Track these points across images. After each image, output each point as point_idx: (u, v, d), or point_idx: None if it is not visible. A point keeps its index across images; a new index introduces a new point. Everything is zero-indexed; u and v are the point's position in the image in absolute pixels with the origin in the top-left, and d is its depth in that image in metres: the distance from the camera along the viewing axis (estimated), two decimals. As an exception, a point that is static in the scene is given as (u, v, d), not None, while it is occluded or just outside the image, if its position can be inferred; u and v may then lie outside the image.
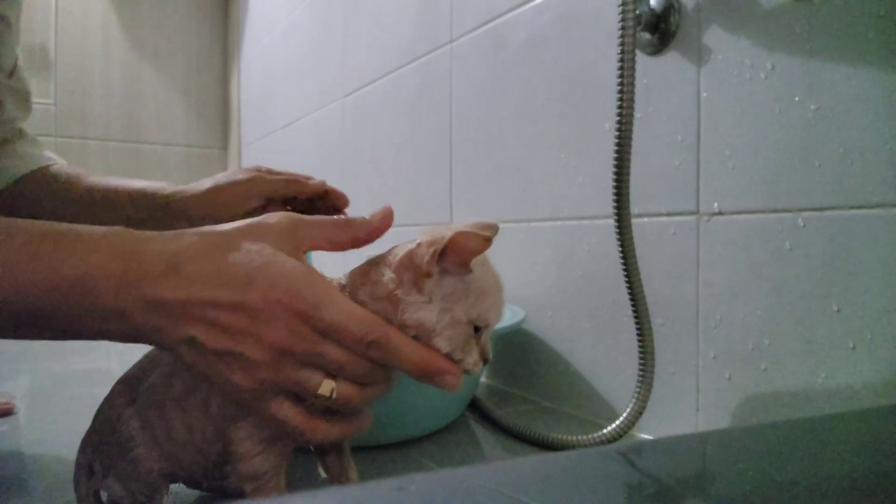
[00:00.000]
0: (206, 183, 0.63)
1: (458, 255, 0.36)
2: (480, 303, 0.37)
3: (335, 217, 0.40)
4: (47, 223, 0.36)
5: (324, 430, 0.38)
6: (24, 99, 0.69)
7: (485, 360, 0.39)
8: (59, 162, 0.70)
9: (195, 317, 0.35)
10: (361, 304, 0.37)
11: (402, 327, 0.37)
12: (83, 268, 0.34)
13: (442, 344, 0.37)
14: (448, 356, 0.37)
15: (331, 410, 0.39)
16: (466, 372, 0.39)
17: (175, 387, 0.42)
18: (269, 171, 0.63)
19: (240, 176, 0.62)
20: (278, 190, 0.62)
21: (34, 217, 0.39)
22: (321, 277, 0.37)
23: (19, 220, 0.36)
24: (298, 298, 0.35)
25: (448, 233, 0.36)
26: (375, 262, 0.39)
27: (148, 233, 0.37)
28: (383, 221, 0.41)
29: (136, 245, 0.36)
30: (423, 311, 0.36)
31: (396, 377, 0.40)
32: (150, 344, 0.38)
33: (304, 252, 0.39)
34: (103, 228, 0.37)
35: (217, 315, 0.35)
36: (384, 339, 0.36)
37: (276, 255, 0.36)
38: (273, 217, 0.38)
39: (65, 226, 0.36)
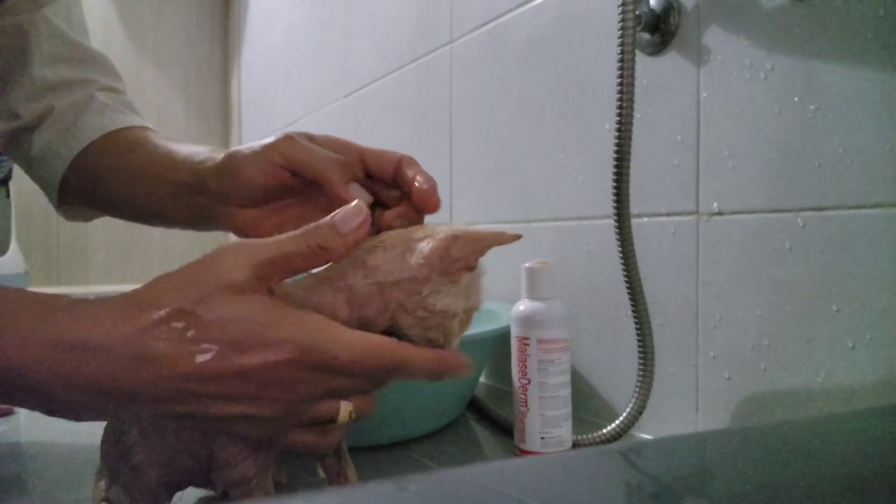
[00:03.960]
0: (223, 152, 0.51)
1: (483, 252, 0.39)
2: (481, 290, 0.41)
3: (302, 238, 0.35)
4: None
5: (340, 434, 0.39)
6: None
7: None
8: (128, 125, 0.62)
9: (185, 395, 0.32)
10: (349, 288, 0.37)
11: (414, 310, 0.37)
12: (24, 361, 0.30)
13: (458, 329, 0.39)
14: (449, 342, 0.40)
15: None
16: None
17: None
18: (309, 137, 0.47)
19: (264, 141, 0.47)
20: (312, 165, 0.45)
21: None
22: (315, 316, 0.35)
23: None
24: (306, 352, 0.33)
25: (487, 235, 0.38)
26: (366, 249, 0.39)
27: (88, 308, 0.32)
28: (359, 230, 0.37)
29: (81, 332, 0.31)
30: (450, 298, 0.38)
31: None
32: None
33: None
34: (29, 300, 0.31)
35: (214, 387, 0.32)
36: (400, 367, 0.35)
37: (254, 307, 0.33)
38: (222, 261, 0.34)
39: None
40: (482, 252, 0.38)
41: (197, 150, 0.55)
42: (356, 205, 0.37)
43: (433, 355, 0.37)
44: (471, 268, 0.39)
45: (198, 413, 0.33)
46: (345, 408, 0.36)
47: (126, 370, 0.31)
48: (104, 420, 0.35)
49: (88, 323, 0.31)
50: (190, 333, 0.31)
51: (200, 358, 0.31)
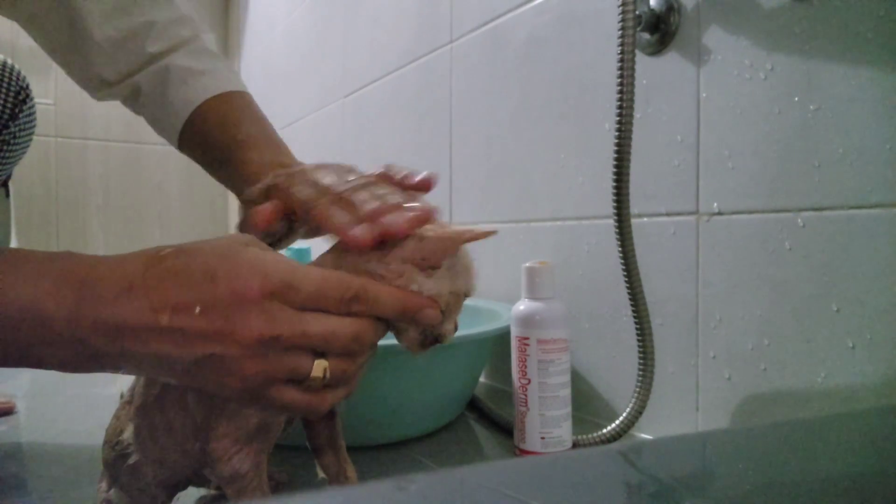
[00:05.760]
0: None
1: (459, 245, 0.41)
2: (471, 275, 0.42)
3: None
4: None
5: (330, 399, 0.38)
6: None
7: (455, 328, 0.44)
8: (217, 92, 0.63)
9: (162, 329, 0.33)
10: None
11: None
12: (31, 295, 0.32)
13: (444, 312, 0.41)
14: None
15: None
16: (442, 338, 0.42)
17: (154, 386, 0.42)
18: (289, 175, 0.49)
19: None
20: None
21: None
22: (284, 257, 0.37)
23: None
24: (268, 279, 0.34)
25: (452, 233, 0.40)
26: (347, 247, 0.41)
27: (96, 256, 0.35)
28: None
29: (87, 270, 0.34)
30: (432, 285, 0.40)
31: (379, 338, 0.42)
32: (117, 371, 0.36)
33: None
34: (49, 253, 0.35)
35: (185, 321, 0.33)
36: (363, 291, 0.37)
37: (234, 248, 0.35)
38: (236, 239, 0.37)
39: (9, 249, 0.35)
40: (446, 252, 0.40)
41: (263, 156, 0.58)
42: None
43: (397, 291, 0.38)
44: (435, 266, 0.40)
45: (175, 354, 0.34)
46: (318, 364, 0.36)
47: (117, 300, 0.33)
48: (97, 370, 0.36)
49: (88, 264, 0.35)
50: (172, 271, 0.34)
51: (176, 289, 0.34)
